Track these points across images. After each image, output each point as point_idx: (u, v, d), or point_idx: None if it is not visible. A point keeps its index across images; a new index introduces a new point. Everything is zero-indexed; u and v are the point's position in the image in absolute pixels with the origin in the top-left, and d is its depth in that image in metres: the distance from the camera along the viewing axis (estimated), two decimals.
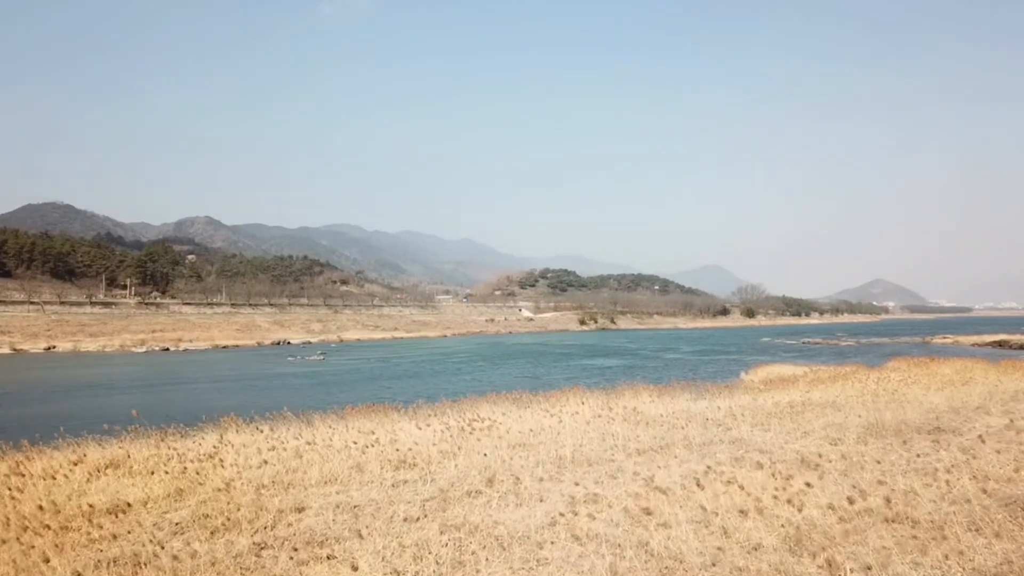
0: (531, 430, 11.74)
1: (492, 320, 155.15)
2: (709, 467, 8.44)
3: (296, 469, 8.96)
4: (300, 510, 7.31)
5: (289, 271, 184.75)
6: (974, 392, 16.82)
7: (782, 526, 6.18)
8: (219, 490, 7.94)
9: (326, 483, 8.51)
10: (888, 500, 6.79)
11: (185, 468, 8.66)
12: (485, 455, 9.36)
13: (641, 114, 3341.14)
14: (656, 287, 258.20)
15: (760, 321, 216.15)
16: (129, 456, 9.69)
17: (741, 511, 6.48)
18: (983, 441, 9.80)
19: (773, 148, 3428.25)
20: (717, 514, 6.52)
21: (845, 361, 47.16)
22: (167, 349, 78.32)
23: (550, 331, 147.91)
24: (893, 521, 6.34)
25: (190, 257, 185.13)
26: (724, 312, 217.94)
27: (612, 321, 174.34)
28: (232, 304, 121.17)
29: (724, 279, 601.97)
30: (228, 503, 7.42)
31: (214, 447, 10.12)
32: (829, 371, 28.35)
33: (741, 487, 7.16)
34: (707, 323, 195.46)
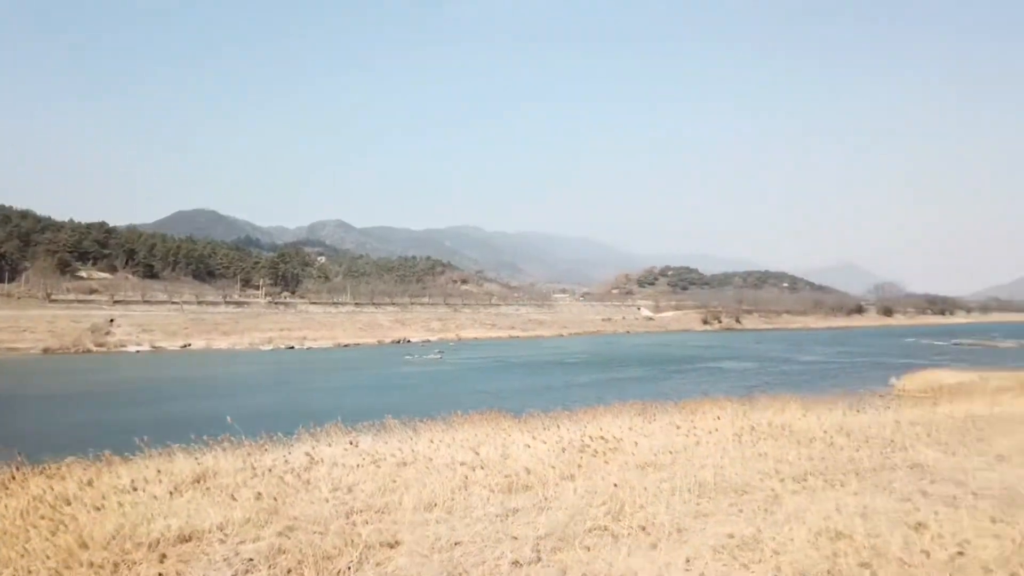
0: (661, 449, 9.93)
1: (609, 319, 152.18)
2: (918, 512, 6.31)
3: (392, 490, 7.59)
4: (392, 545, 5.93)
5: (412, 271, 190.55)
6: None
7: None
8: (301, 517, 6.73)
9: (425, 508, 7.09)
10: None
11: (259, 494, 7.53)
12: (614, 484, 7.64)
13: (764, 110, 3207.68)
14: (784, 284, 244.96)
15: (899, 320, 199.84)
16: (213, 471, 8.71)
17: None
18: None
19: (908, 141, 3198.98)
20: None
21: (1007, 365, 41.95)
22: (292, 347, 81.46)
23: (671, 331, 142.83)
24: None
25: (320, 259, 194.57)
26: (859, 310, 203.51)
27: (737, 320, 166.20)
28: (356, 303, 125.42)
29: (858, 277, 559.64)
30: (312, 533, 6.18)
31: (308, 459, 9.00)
32: (1008, 377, 24.77)
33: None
34: (840, 322, 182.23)
